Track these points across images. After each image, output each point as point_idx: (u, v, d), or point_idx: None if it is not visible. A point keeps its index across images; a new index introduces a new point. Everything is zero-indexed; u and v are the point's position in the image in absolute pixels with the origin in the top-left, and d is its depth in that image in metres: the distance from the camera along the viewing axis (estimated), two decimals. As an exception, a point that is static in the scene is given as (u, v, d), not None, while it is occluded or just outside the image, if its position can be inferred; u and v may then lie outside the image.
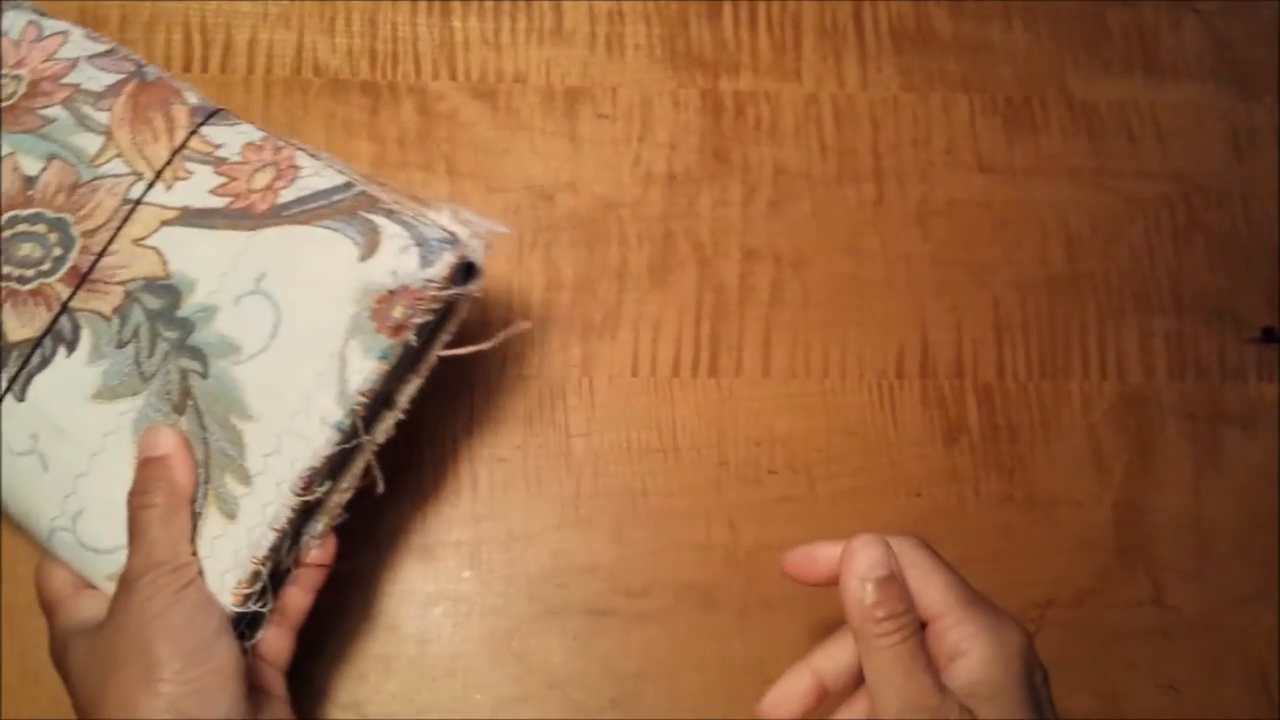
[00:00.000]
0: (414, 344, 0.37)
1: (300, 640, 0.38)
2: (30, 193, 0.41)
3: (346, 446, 0.36)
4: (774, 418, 0.49)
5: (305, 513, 0.37)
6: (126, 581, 0.34)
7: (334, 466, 0.37)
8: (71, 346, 0.39)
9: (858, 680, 0.36)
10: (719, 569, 0.47)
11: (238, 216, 0.39)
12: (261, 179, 0.40)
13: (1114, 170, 0.55)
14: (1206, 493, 0.50)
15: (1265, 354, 0.53)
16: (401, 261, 0.37)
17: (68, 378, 0.39)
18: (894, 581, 0.34)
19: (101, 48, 0.44)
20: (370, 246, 0.37)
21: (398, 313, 0.36)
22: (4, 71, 0.44)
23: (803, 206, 0.53)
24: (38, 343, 0.39)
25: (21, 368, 0.39)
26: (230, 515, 0.36)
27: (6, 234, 0.41)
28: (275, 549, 0.36)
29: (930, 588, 0.35)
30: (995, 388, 0.51)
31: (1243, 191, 0.55)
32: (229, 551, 0.36)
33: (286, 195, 0.39)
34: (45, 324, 0.40)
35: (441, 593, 0.45)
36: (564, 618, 0.45)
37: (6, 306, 0.40)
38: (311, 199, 0.39)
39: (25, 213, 0.41)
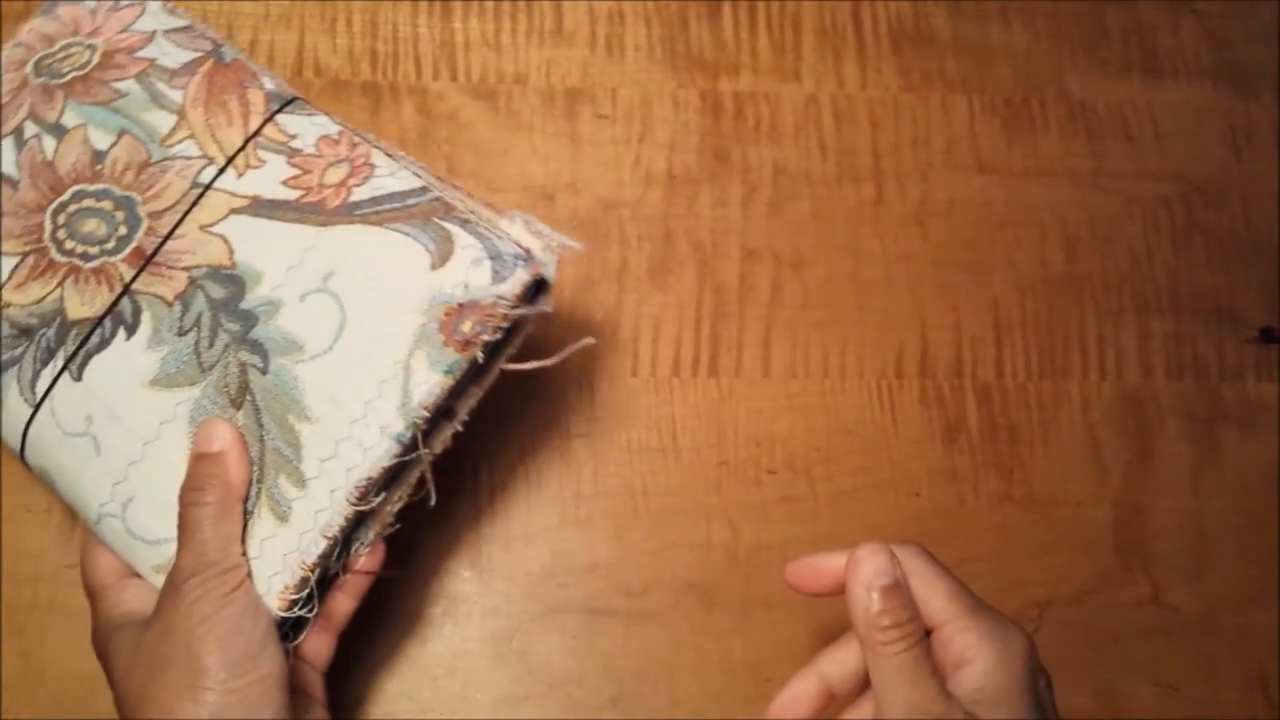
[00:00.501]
0: (480, 360, 0.36)
1: (341, 642, 0.38)
2: (99, 167, 0.40)
3: (404, 458, 0.36)
4: (774, 417, 0.50)
5: (357, 520, 0.36)
6: (175, 581, 0.34)
7: (389, 476, 0.36)
8: (131, 330, 0.38)
9: (864, 684, 0.36)
10: (719, 569, 0.47)
11: (308, 210, 0.39)
12: (335, 174, 0.39)
13: (1113, 171, 0.55)
14: (1206, 493, 0.50)
15: (1264, 354, 0.53)
16: (474, 275, 0.36)
17: (126, 361, 0.38)
18: (899, 589, 0.34)
19: (180, 23, 0.43)
20: (443, 256, 0.36)
21: (466, 327, 0.35)
22: (78, 39, 0.43)
23: (803, 207, 0.53)
24: (98, 323, 0.39)
25: (80, 347, 0.38)
26: (282, 518, 0.35)
27: (72, 208, 0.40)
28: (325, 556, 0.35)
29: (934, 596, 0.35)
30: (994, 387, 0.51)
31: (1241, 192, 0.55)
32: (279, 554, 0.35)
33: (360, 194, 0.39)
34: (106, 304, 0.39)
35: (441, 592, 0.45)
36: (564, 617, 0.45)
37: (68, 284, 0.39)
38: (385, 200, 0.38)
39: (92, 188, 0.40)
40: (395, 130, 0.52)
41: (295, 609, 0.35)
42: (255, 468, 0.36)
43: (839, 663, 0.37)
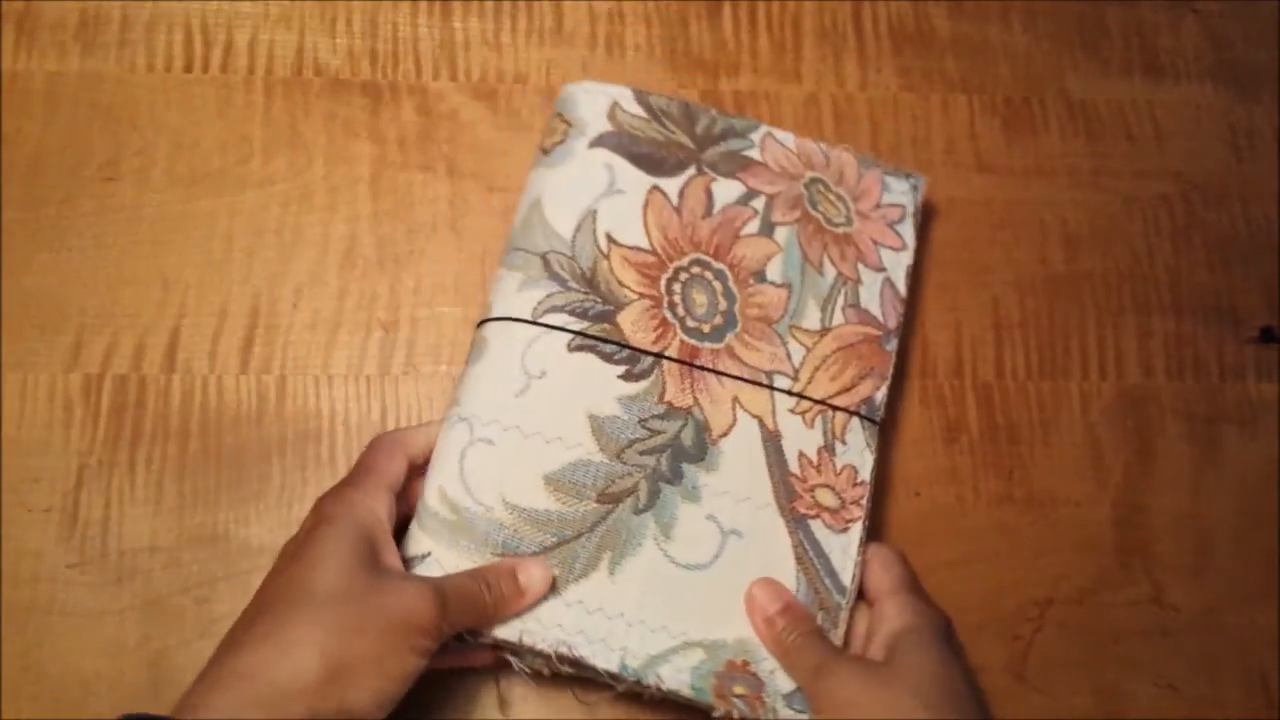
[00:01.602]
0: (716, 714, 0.40)
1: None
2: (746, 282, 0.46)
3: (601, 673, 0.40)
4: (774, 417, 0.49)
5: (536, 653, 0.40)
6: (415, 624, 0.35)
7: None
8: (630, 377, 0.43)
9: None
10: (719, 568, 0.47)
11: (784, 493, 0.43)
12: (825, 498, 0.44)
13: (1113, 170, 0.55)
14: (1205, 492, 0.50)
15: (1264, 354, 0.53)
16: (782, 679, 0.41)
17: (603, 384, 0.43)
18: (789, 609, 0.41)
19: (902, 275, 0.48)
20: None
21: (737, 691, 0.40)
22: (842, 193, 0.49)
23: (802, 206, 0.53)
24: (623, 347, 0.44)
25: (594, 340, 0.43)
26: (556, 589, 0.40)
27: (699, 270, 0.46)
28: (508, 643, 0.40)
29: (886, 578, 0.42)
30: (994, 387, 0.51)
31: (1241, 191, 0.55)
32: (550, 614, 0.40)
33: (817, 529, 0.43)
34: (642, 343, 0.44)
35: (442, 592, 0.45)
36: (564, 617, 0.45)
37: (641, 303, 0.45)
38: (821, 559, 0.43)
39: (724, 281, 0.46)
40: (395, 130, 0.52)
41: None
42: (580, 547, 0.41)
43: None
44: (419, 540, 0.41)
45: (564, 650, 0.39)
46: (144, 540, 0.45)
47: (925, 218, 0.53)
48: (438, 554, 0.40)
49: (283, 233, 0.50)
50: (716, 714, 0.40)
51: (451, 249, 0.50)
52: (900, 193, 0.50)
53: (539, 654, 0.40)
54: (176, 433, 0.46)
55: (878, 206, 0.49)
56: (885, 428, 0.47)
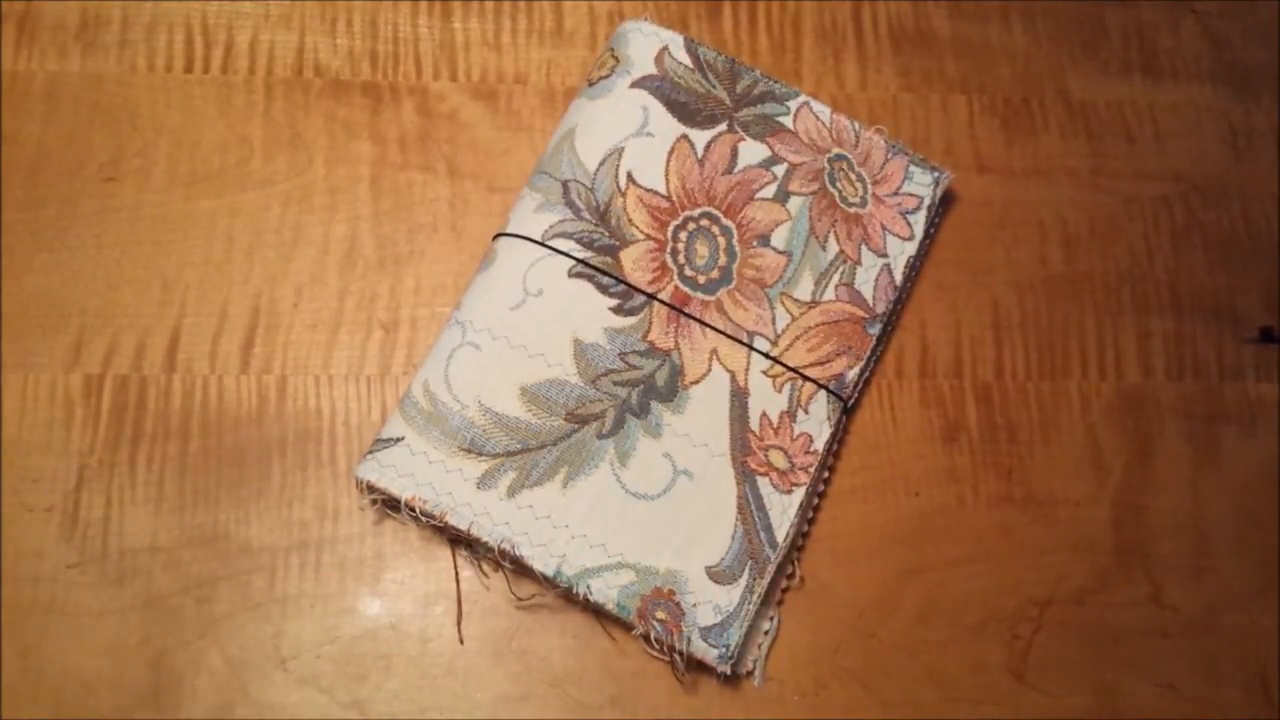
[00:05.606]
0: (635, 631, 0.43)
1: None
2: (751, 241, 0.48)
3: (526, 561, 0.43)
4: (773, 417, 0.50)
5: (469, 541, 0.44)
6: None
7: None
8: (618, 309, 0.46)
9: None
10: (718, 568, 0.47)
11: (740, 448, 0.46)
12: (776, 458, 0.46)
13: (1112, 171, 0.55)
14: (1205, 492, 0.50)
15: (1263, 354, 0.53)
16: (706, 614, 0.43)
17: (589, 310, 0.46)
18: None
19: (904, 261, 0.50)
20: (717, 571, 0.44)
21: (659, 615, 0.43)
22: (861, 173, 0.50)
23: (802, 207, 0.53)
24: (621, 282, 0.47)
25: (588, 266, 0.46)
26: (511, 491, 0.44)
27: (705, 224, 0.48)
28: (469, 535, 0.43)
29: None
30: (994, 387, 0.51)
31: (1241, 192, 0.56)
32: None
33: (763, 486, 0.45)
34: (638, 282, 0.47)
35: (441, 592, 0.45)
36: (564, 617, 0.45)
37: (644, 245, 0.47)
38: (759, 513, 0.45)
39: (729, 239, 0.48)
40: (395, 130, 0.52)
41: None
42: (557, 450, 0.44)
43: None
44: (396, 425, 0.44)
45: (507, 547, 0.43)
46: (144, 540, 0.45)
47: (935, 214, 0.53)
48: (409, 439, 0.44)
49: (283, 233, 0.50)
50: (635, 632, 0.43)
51: (452, 249, 0.50)
52: (921, 184, 0.51)
53: (486, 546, 0.43)
54: (177, 433, 0.46)
55: (895, 193, 0.51)
56: (852, 408, 0.49)
